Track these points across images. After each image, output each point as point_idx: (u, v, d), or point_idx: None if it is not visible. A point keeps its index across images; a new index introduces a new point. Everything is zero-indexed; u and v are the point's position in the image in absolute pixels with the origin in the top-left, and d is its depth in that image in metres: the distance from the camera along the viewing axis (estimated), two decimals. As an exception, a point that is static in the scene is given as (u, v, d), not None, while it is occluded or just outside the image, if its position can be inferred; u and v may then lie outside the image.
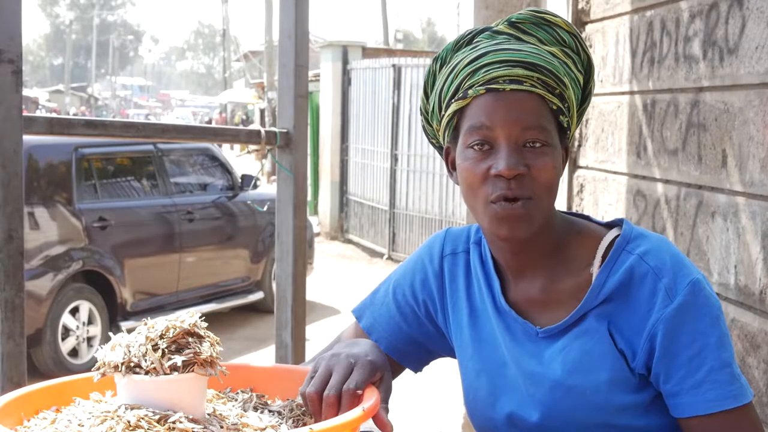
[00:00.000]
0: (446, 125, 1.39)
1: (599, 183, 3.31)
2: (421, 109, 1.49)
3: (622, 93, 3.10)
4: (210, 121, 36.74)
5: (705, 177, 2.47)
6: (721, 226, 2.38)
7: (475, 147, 1.34)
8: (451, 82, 1.37)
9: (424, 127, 1.51)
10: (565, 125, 1.37)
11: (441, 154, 1.51)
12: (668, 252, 1.35)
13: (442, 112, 1.40)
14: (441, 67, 1.42)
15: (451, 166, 1.44)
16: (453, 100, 1.36)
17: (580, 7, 3.47)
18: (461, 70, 1.35)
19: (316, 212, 14.61)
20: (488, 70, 1.32)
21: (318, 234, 11.12)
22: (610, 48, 3.22)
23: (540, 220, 1.35)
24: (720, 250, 2.38)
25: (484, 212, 1.35)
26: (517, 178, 1.31)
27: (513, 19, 1.40)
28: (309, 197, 10.65)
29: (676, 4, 2.67)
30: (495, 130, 1.32)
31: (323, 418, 1.22)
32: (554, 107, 1.34)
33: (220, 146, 8.49)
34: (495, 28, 1.41)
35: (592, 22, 3.39)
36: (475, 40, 1.40)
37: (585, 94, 1.44)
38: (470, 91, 1.33)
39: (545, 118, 1.33)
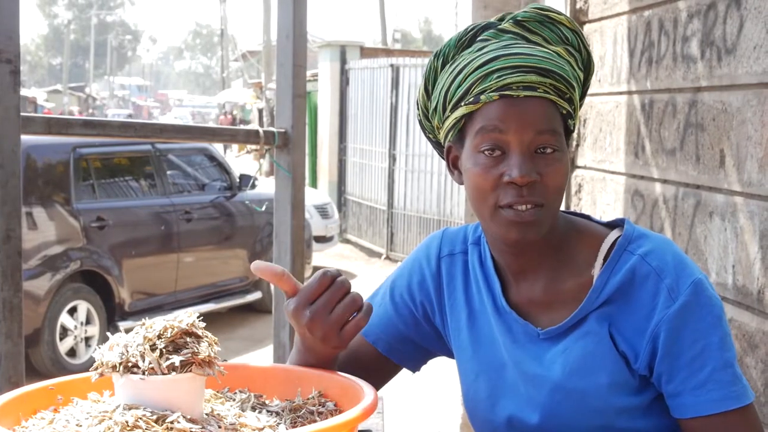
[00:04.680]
0: (452, 126, 1.38)
1: (597, 183, 3.31)
2: (418, 104, 1.47)
3: (620, 93, 3.10)
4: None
5: (703, 177, 2.48)
6: (719, 225, 2.38)
7: (486, 152, 1.32)
8: (459, 85, 1.35)
9: (421, 122, 1.49)
10: (572, 128, 1.38)
11: (436, 149, 1.50)
12: (670, 252, 1.35)
13: (447, 113, 1.38)
14: (443, 64, 1.40)
15: (452, 165, 1.44)
16: (462, 104, 1.34)
17: (578, 6, 3.47)
18: (471, 74, 1.33)
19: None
20: (501, 76, 1.31)
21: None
22: (608, 48, 3.23)
23: (548, 224, 1.35)
24: (718, 249, 2.38)
25: (492, 217, 1.34)
26: (528, 185, 1.31)
27: (518, 18, 1.38)
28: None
29: (674, 4, 2.67)
30: (508, 136, 1.31)
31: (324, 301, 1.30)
32: (564, 111, 1.34)
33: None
34: (500, 26, 1.39)
35: (590, 21, 3.40)
36: (480, 38, 1.38)
37: (583, 91, 1.43)
38: (482, 97, 1.32)
39: (557, 122, 1.33)
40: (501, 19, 1.41)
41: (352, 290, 1.34)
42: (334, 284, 1.32)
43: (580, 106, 1.44)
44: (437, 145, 1.49)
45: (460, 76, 1.35)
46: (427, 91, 1.43)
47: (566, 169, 1.35)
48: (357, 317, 1.32)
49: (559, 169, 1.33)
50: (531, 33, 1.37)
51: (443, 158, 1.47)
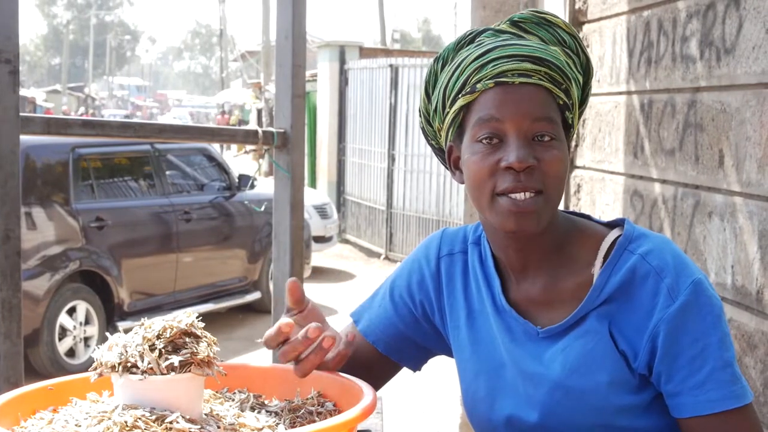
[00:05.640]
0: (451, 122, 1.39)
1: (596, 183, 3.31)
2: (420, 110, 1.48)
3: (620, 93, 3.10)
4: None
5: (702, 177, 2.48)
6: (718, 226, 2.38)
7: (484, 140, 1.33)
8: (457, 78, 1.36)
9: (423, 128, 1.50)
10: (570, 122, 1.38)
11: (438, 156, 1.51)
12: (670, 252, 1.35)
13: (447, 109, 1.39)
14: (443, 66, 1.41)
15: (454, 166, 1.44)
16: (460, 95, 1.35)
17: (577, 7, 3.47)
18: (468, 66, 1.35)
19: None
20: (497, 64, 1.32)
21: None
22: (607, 48, 3.23)
23: (547, 215, 1.34)
24: (717, 250, 2.38)
25: (490, 205, 1.34)
26: (527, 171, 1.31)
27: (515, 19, 1.40)
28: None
29: (673, 4, 2.67)
30: (505, 123, 1.32)
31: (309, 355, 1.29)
32: (560, 102, 1.35)
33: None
34: (497, 28, 1.41)
35: (589, 22, 3.40)
36: (478, 39, 1.40)
37: (584, 95, 1.44)
38: (479, 85, 1.33)
39: (553, 111, 1.34)
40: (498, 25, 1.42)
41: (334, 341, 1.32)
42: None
43: (582, 111, 1.44)
44: (440, 152, 1.49)
45: (458, 71, 1.37)
46: (428, 95, 1.44)
47: (565, 158, 1.35)
48: (340, 351, 1.34)
49: (557, 156, 1.33)
50: (527, 33, 1.39)
51: (445, 165, 1.47)
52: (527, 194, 1.31)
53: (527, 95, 1.32)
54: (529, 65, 1.32)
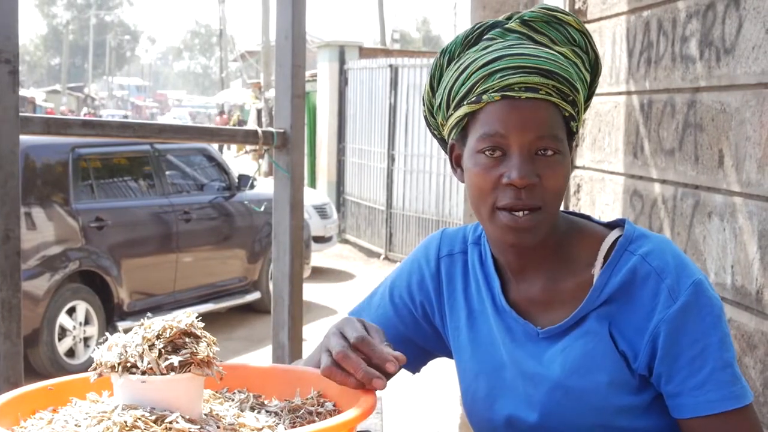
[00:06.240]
0: (454, 124, 1.38)
1: (596, 183, 3.31)
2: (424, 100, 1.47)
3: (619, 93, 3.10)
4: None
5: (702, 177, 2.48)
6: (717, 226, 2.38)
7: (487, 153, 1.33)
8: (463, 83, 1.35)
9: (426, 118, 1.49)
10: (575, 130, 1.37)
11: (441, 145, 1.50)
12: (671, 252, 1.35)
13: (450, 111, 1.38)
14: (449, 61, 1.40)
15: (455, 163, 1.44)
16: (465, 103, 1.34)
17: (577, 7, 3.47)
18: (474, 73, 1.33)
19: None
20: (504, 76, 1.31)
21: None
22: (606, 48, 3.23)
23: (546, 228, 1.35)
24: (717, 250, 2.38)
25: (490, 218, 1.34)
26: (527, 187, 1.31)
27: (526, 18, 1.38)
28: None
29: (673, 4, 2.67)
30: (509, 138, 1.31)
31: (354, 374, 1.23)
32: (566, 114, 1.34)
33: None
34: (507, 25, 1.38)
35: (588, 22, 3.39)
36: (486, 37, 1.38)
37: (590, 92, 1.43)
38: (484, 97, 1.32)
39: (558, 126, 1.33)
40: (509, 18, 1.40)
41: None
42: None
43: (587, 107, 1.43)
44: (442, 141, 1.49)
45: (464, 75, 1.35)
46: (433, 88, 1.43)
47: (566, 172, 1.35)
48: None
49: (558, 172, 1.32)
50: (537, 33, 1.37)
51: (446, 151, 1.47)
52: (526, 212, 1.31)
53: (533, 111, 1.31)
54: (536, 78, 1.31)
